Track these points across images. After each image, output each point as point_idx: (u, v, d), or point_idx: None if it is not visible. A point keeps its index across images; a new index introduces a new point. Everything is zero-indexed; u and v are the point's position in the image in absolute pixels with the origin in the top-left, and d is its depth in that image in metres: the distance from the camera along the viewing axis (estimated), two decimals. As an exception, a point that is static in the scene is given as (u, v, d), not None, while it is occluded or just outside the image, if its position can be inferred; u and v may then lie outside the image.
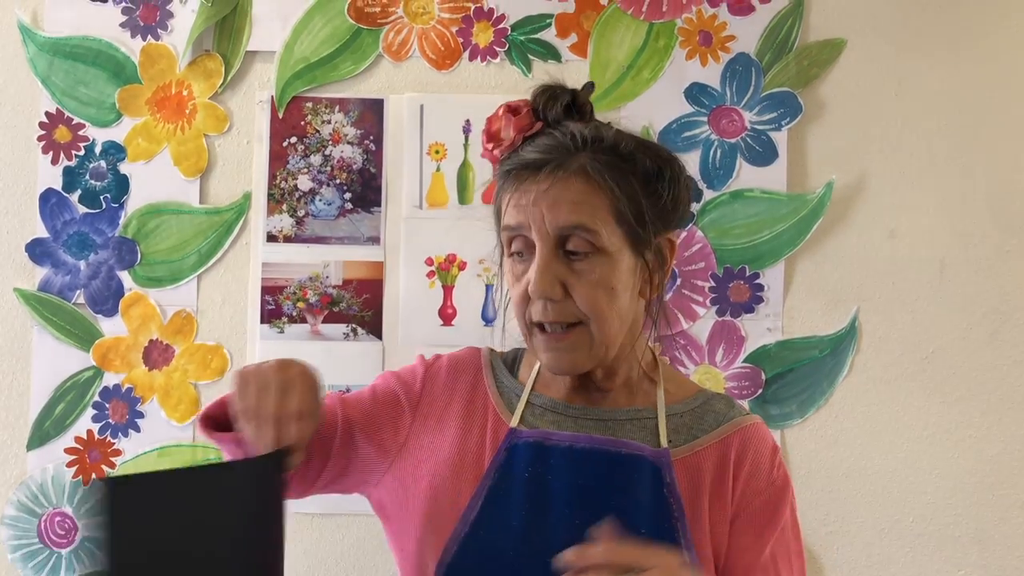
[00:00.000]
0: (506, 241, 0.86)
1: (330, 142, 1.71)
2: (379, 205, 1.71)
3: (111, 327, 1.71)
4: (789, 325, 1.68)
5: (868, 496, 1.67)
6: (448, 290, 1.69)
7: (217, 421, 0.86)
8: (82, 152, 1.71)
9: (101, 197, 1.71)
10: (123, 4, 1.70)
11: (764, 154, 1.68)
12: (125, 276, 1.71)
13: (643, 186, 0.85)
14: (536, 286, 0.81)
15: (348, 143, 1.71)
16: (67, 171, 1.71)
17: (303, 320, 1.70)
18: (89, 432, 1.70)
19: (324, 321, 1.70)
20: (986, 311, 1.68)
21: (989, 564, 1.66)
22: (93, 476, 1.68)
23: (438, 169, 1.70)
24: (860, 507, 1.67)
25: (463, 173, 1.69)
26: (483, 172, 1.67)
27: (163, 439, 1.70)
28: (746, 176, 1.68)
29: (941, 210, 1.69)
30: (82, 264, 1.70)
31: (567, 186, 0.82)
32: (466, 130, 1.69)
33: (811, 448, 1.67)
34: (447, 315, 1.69)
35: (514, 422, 0.88)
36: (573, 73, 1.64)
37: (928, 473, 1.67)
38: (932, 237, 1.69)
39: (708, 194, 1.68)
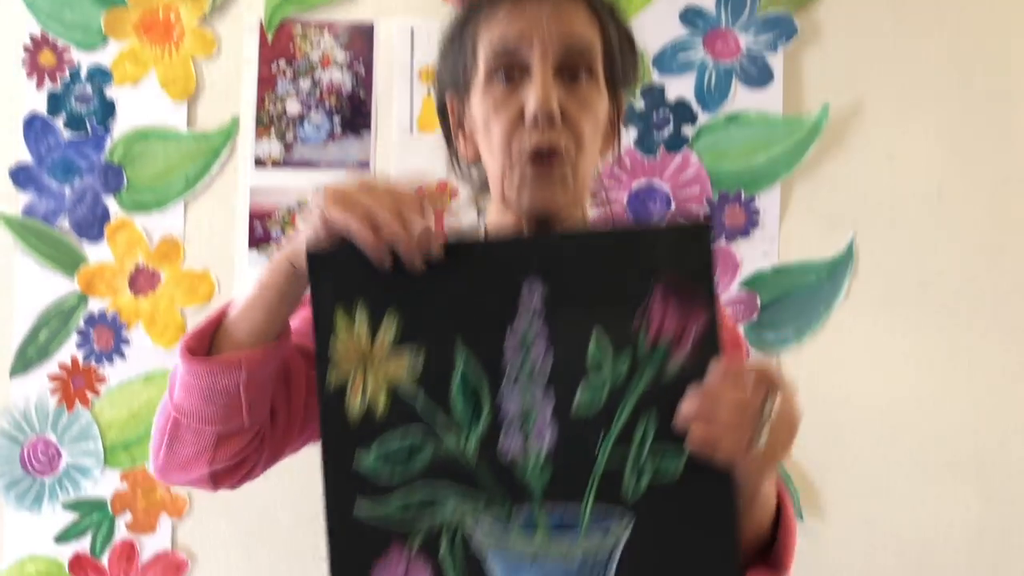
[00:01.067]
0: (491, 65, 0.83)
1: (319, 66, 1.68)
2: (369, 129, 1.68)
3: (96, 253, 1.68)
4: (785, 250, 1.66)
5: (866, 421, 1.65)
6: (438, 215, 1.66)
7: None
8: (67, 76, 1.68)
9: (87, 121, 1.68)
10: (110, -74, 1.68)
11: (759, 77, 1.65)
12: (111, 201, 1.68)
13: (622, 41, 0.87)
14: (542, 103, 0.78)
15: (338, 67, 1.68)
16: (52, 95, 1.68)
17: (291, 246, 1.67)
18: (73, 359, 1.67)
19: (313, 247, 1.67)
20: (984, 236, 1.65)
21: (988, 489, 1.64)
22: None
23: (429, 93, 1.67)
24: (858, 433, 1.65)
25: (454, 96, 1.67)
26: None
27: (149, 366, 1.67)
28: (741, 99, 1.66)
29: (939, 135, 1.66)
30: (67, 189, 1.68)
31: (572, 9, 0.81)
32: (457, 52, 1.66)
33: (808, 373, 1.64)
34: (438, 240, 1.66)
35: None
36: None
37: (926, 399, 1.65)
38: (930, 162, 1.66)
39: (703, 117, 1.66)
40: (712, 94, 1.66)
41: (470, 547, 0.66)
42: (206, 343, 0.74)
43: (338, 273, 0.67)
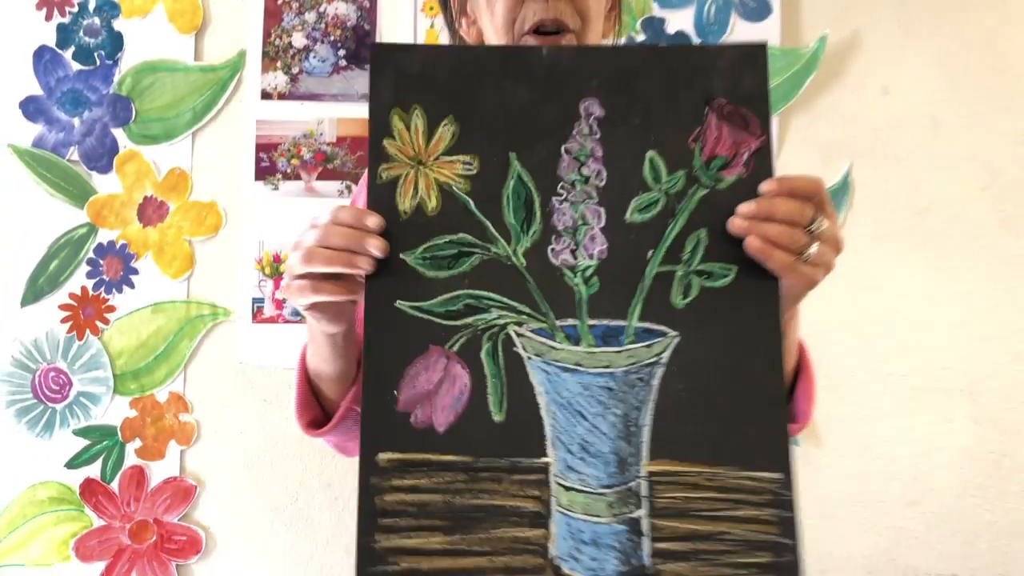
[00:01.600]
0: None
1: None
2: (373, 62, 1.71)
3: (105, 184, 1.71)
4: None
5: (860, 350, 1.68)
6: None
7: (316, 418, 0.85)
8: (76, 8, 1.71)
9: (95, 54, 1.71)
10: None
11: (758, 9, 1.68)
12: (119, 133, 1.71)
13: None
14: None
15: (342, 0, 1.71)
16: (61, 27, 1.71)
17: (297, 177, 1.70)
18: (83, 288, 1.70)
19: (319, 178, 1.70)
20: (977, 167, 1.68)
21: (979, 416, 1.67)
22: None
23: (432, 26, 1.70)
24: (852, 361, 1.68)
25: (457, 28, 1.69)
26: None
27: (157, 295, 1.70)
28: (740, 31, 1.68)
29: (934, 67, 1.69)
30: (76, 121, 1.70)
31: None
32: (460, -16, 1.69)
33: (804, 301, 1.67)
34: (441, 171, 1.69)
35: None
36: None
37: (919, 327, 1.68)
38: (925, 93, 1.69)
39: (702, 50, 1.69)
40: (711, 26, 1.69)
41: (511, 353, 0.67)
42: (311, 401, 0.84)
43: (398, 75, 0.69)
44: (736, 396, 0.67)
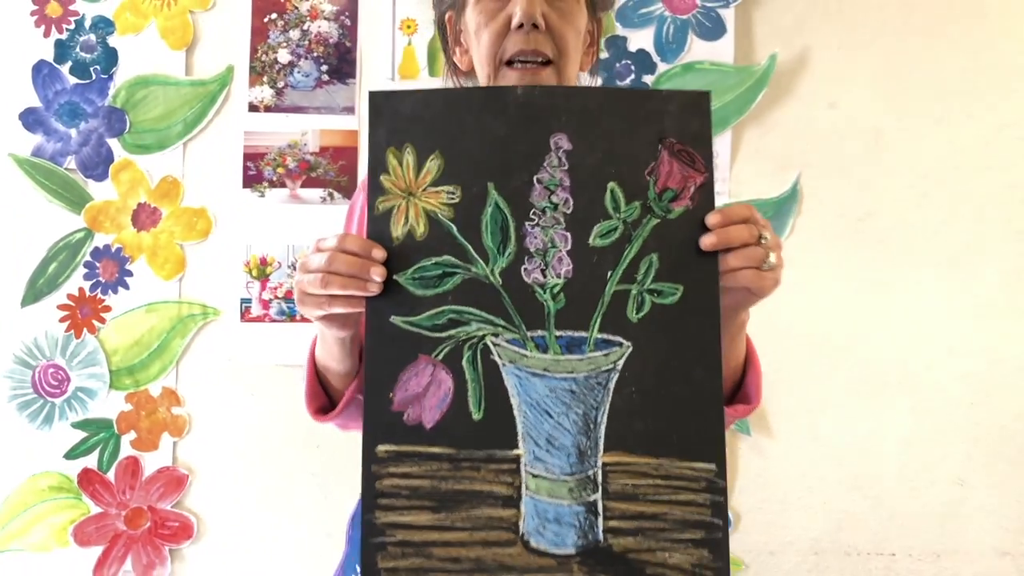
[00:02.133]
0: None
1: (308, 18, 1.82)
2: (354, 77, 1.82)
3: (101, 191, 1.81)
4: (736, 189, 1.81)
5: (809, 347, 1.81)
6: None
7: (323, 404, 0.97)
8: (72, 26, 1.80)
9: (91, 69, 1.80)
10: None
11: (713, 29, 1.80)
12: (115, 143, 1.81)
13: None
14: (526, 10, 0.89)
15: (325, 19, 1.82)
16: (58, 44, 1.80)
17: (282, 185, 1.81)
18: (81, 290, 1.80)
19: (303, 186, 1.81)
20: (917, 176, 1.81)
21: (917, 407, 1.80)
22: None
23: (409, 43, 1.81)
24: (801, 356, 1.81)
25: (433, 46, 1.80)
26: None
27: (151, 296, 1.81)
28: (697, 50, 1.80)
29: (878, 82, 1.82)
30: (73, 132, 1.80)
31: None
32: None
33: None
34: (418, 179, 1.80)
35: None
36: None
37: (863, 325, 1.81)
38: (869, 108, 1.82)
39: (661, 67, 1.81)
40: (670, 45, 1.80)
41: (488, 361, 0.78)
42: (319, 391, 0.95)
43: (392, 118, 0.79)
44: (679, 398, 0.78)
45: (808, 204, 1.82)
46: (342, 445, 1.80)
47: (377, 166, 0.79)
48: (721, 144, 1.81)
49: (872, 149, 1.82)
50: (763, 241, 0.79)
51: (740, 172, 1.81)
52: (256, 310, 1.81)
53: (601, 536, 0.77)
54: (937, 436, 1.80)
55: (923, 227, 1.81)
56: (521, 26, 0.90)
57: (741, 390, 0.92)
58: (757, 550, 1.80)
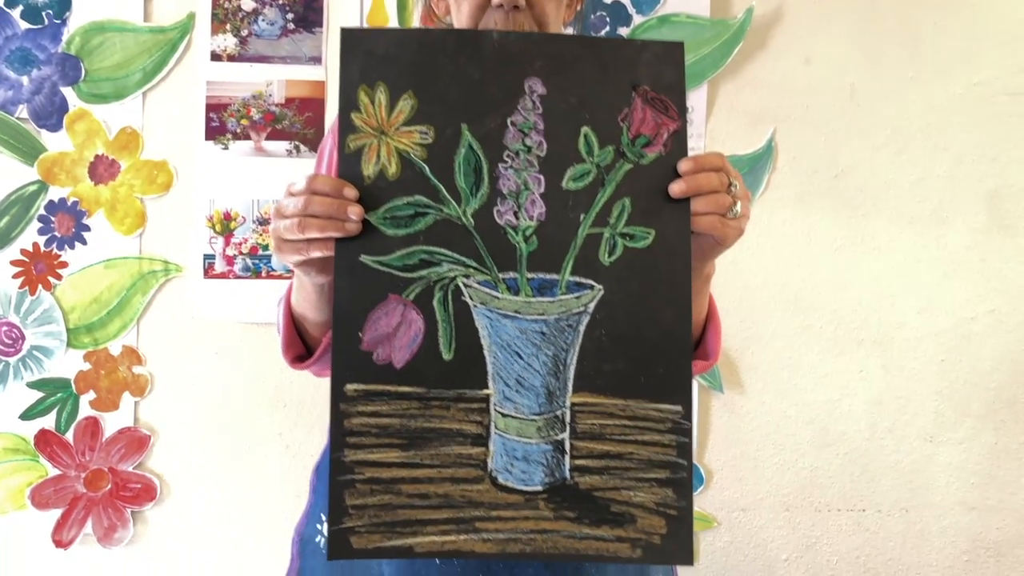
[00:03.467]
0: None
1: (272, -37, 1.75)
2: (321, 26, 1.76)
3: (55, 142, 1.74)
4: (711, 145, 1.79)
5: (781, 303, 1.80)
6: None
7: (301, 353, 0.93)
8: (23, -33, 1.72)
9: (43, 13, 1.73)
10: None
11: (689, -19, 1.77)
12: (69, 92, 1.74)
13: None
14: None
15: (290, -36, 1.75)
16: (8, -14, 1.72)
17: (247, 137, 1.75)
18: (35, 245, 1.73)
19: (268, 138, 1.75)
20: (891, 133, 1.81)
21: (888, 364, 1.81)
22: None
23: (378, -9, 1.75)
24: (774, 314, 1.80)
25: (402, -6, 1.75)
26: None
27: (110, 252, 1.75)
28: (672, 2, 1.77)
29: (851, 39, 1.80)
30: (25, 79, 1.73)
31: None
32: (406, -49, 1.74)
33: (728, 257, 1.77)
34: (387, 132, 1.75)
35: None
36: None
37: (835, 282, 1.81)
38: (843, 64, 1.80)
39: (637, 19, 1.77)
40: (645, -3, 1.77)
41: (459, 302, 0.77)
42: (297, 339, 0.92)
43: (365, 56, 0.77)
44: (648, 341, 0.78)
45: (783, 160, 1.80)
46: (308, 404, 1.77)
47: (348, 104, 0.77)
48: (696, 99, 1.78)
49: (847, 106, 1.80)
50: (732, 190, 0.79)
51: (715, 128, 1.79)
52: (220, 266, 1.75)
53: (568, 474, 0.78)
54: (907, 393, 1.81)
55: (897, 184, 1.81)
56: (501, 5, 0.90)
57: (701, 346, 0.92)
58: (729, 506, 1.80)
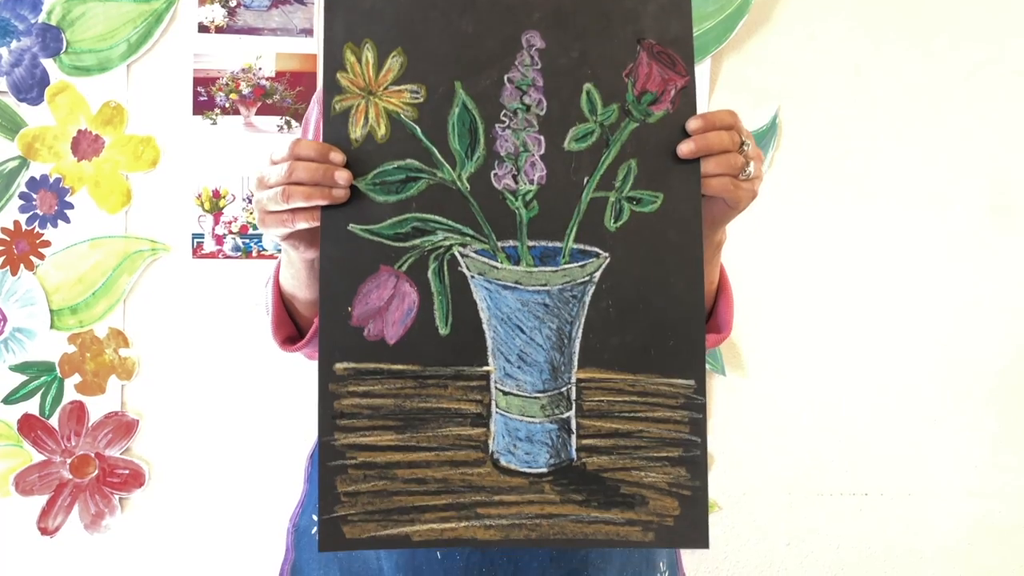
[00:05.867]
0: None
1: (262, -68, 1.69)
2: (312, -3, 1.70)
3: (36, 116, 1.67)
4: (714, 122, 1.74)
5: (783, 283, 1.77)
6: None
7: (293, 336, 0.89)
8: (2, -66, 1.65)
9: (23, -18, 1.66)
10: None
11: (692, -48, 1.72)
12: (50, 64, 1.67)
13: None
14: None
15: (280, -67, 1.69)
16: (-14, -46, 1.65)
17: (236, 112, 1.69)
18: (16, 223, 1.67)
19: (257, 113, 1.70)
20: (896, 110, 1.77)
21: (892, 347, 1.78)
22: None
23: (372, -39, 1.69)
24: (776, 293, 1.77)
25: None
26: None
27: (95, 230, 1.69)
28: (675, -26, 1.72)
29: (857, 16, 1.76)
30: (3, 51, 1.66)
31: None
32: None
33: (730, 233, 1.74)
34: (381, 108, 1.70)
35: None
36: None
37: (838, 261, 1.77)
38: (848, 41, 1.76)
39: (638, -8, 1.72)
40: (647, -31, 1.72)
41: (456, 272, 0.72)
42: (287, 320, 0.88)
43: (350, 11, 0.72)
44: (658, 312, 0.73)
45: (787, 138, 1.76)
46: (300, 388, 1.72)
47: (333, 63, 0.72)
48: (700, 73, 1.73)
49: (852, 83, 1.76)
50: (744, 149, 0.74)
51: (719, 104, 1.74)
52: (209, 246, 1.70)
53: (574, 455, 0.73)
54: (910, 377, 1.78)
55: (901, 162, 1.77)
56: None
57: (712, 318, 0.88)
58: (731, 491, 1.77)
